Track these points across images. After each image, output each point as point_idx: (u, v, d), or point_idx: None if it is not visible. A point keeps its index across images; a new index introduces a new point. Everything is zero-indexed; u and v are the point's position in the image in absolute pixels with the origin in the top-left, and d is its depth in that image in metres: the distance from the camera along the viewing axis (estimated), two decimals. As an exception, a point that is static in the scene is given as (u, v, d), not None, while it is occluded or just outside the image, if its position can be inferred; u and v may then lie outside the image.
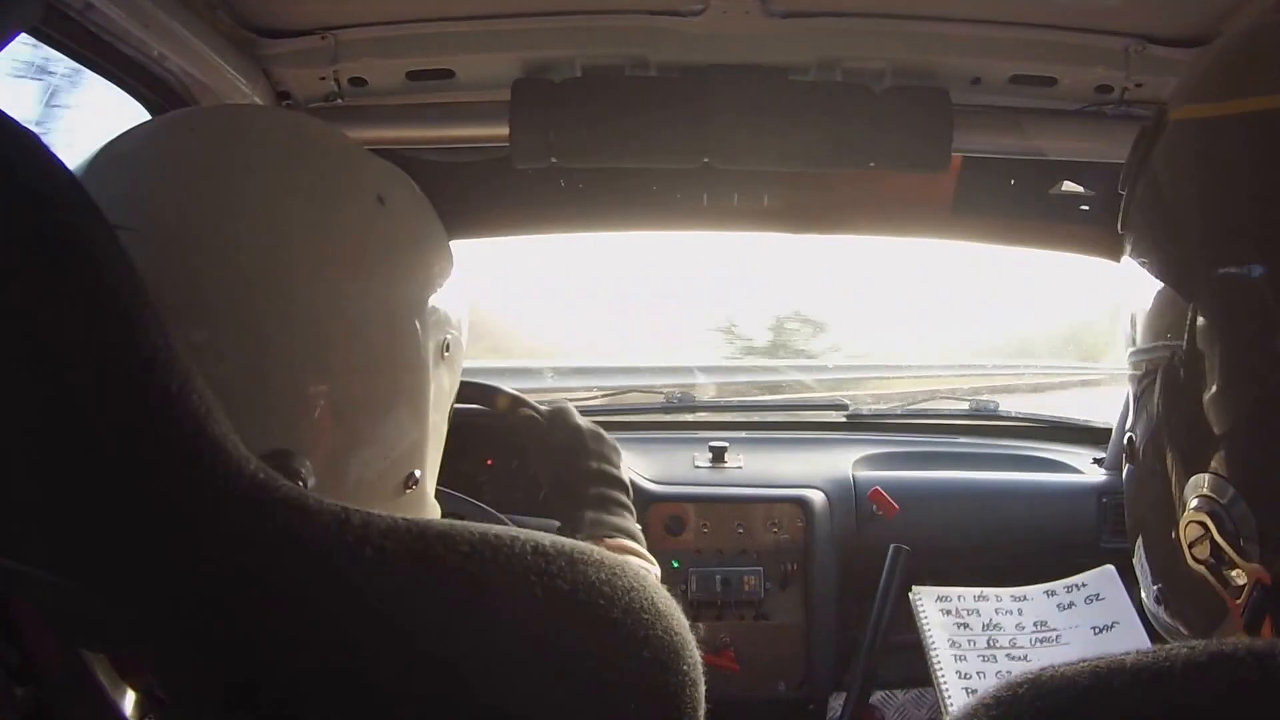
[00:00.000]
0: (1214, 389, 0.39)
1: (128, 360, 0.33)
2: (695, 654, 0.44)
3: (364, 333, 0.45)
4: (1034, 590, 0.75)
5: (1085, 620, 0.71)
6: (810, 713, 1.39)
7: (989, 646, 0.73)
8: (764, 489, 1.44)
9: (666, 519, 1.40)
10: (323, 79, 1.11)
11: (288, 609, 0.36)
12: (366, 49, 1.09)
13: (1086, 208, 1.35)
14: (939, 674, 0.72)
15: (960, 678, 0.72)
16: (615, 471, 0.84)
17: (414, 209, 0.50)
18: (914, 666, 1.57)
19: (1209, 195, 0.41)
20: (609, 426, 1.64)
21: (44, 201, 0.33)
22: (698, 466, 1.53)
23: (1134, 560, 0.48)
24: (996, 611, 0.75)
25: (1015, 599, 0.76)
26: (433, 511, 0.55)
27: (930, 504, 1.43)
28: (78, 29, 0.92)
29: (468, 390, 1.17)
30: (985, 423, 1.79)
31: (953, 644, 0.74)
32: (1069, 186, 1.31)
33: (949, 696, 0.71)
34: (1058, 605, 0.73)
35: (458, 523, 0.40)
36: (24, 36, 0.76)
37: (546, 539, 0.41)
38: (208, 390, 0.35)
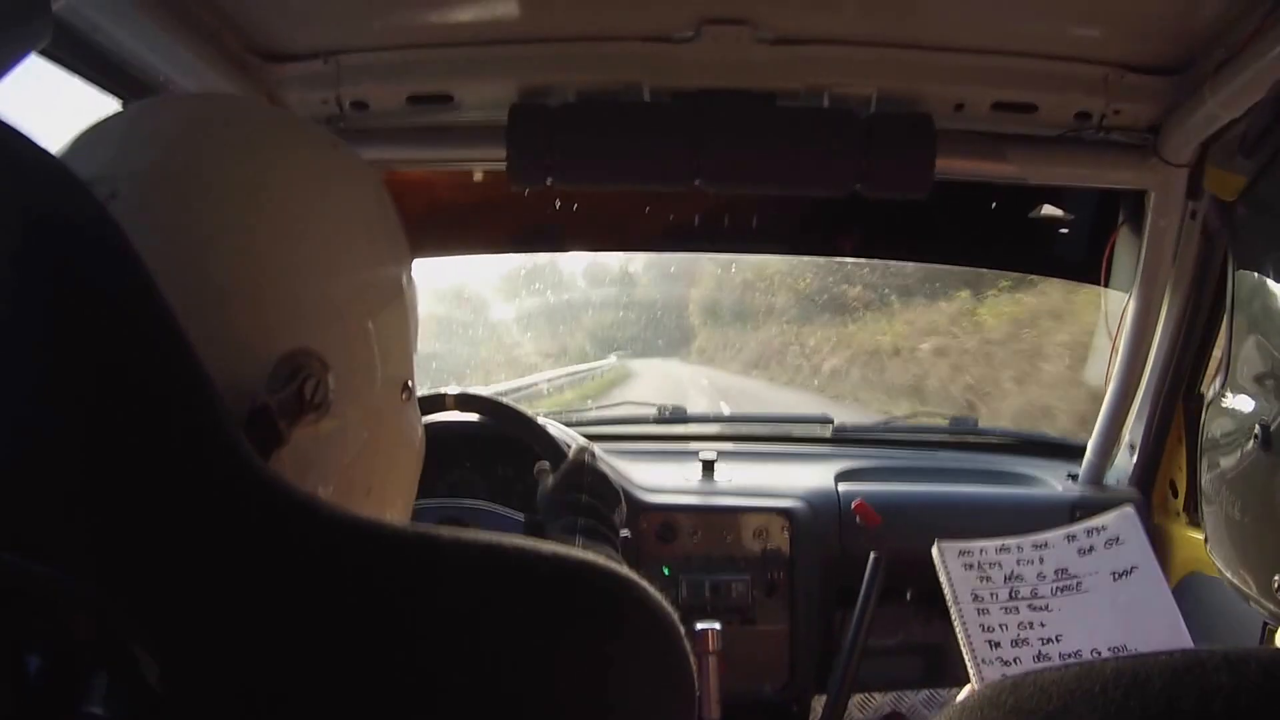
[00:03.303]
0: None
1: (145, 369, 0.35)
2: (690, 659, 0.46)
3: (355, 240, 0.48)
4: (1054, 536, 0.73)
5: (1105, 566, 0.70)
6: (793, 714, 1.43)
7: (1011, 598, 0.72)
8: (752, 500, 1.46)
9: (659, 527, 1.43)
10: (325, 102, 1.13)
11: (294, 615, 0.37)
12: (368, 73, 1.11)
13: (1066, 231, 1.38)
14: (964, 628, 0.74)
15: (984, 630, 0.71)
16: (607, 512, 0.91)
17: (354, 153, 0.53)
18: (894, 669, 1.61)
19: None
20: (604, 438, 1.67)
21: (67, 225, 0.35)
22: (689, 478, 1.56)
23: (1220, 546, 0.46)
24: (1018, 562, 0.74)
25: (1036, 546, 0.74)
26: (421, 425, 0.57)
27: (910, 516, 1.45)
28: (86, 50, 0.94)
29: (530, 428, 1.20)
30: (963, 438, 1.83)
31: (976, 598, 0.75)
32: (1049, 210, 1.34)
33: (976, 651, 0.73)
34: (1078, 550, 0.72)
35: (466, 531, 0.42)
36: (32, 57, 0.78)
37: (548, 548, 0.43)
38: (219, 396, 0.36)
